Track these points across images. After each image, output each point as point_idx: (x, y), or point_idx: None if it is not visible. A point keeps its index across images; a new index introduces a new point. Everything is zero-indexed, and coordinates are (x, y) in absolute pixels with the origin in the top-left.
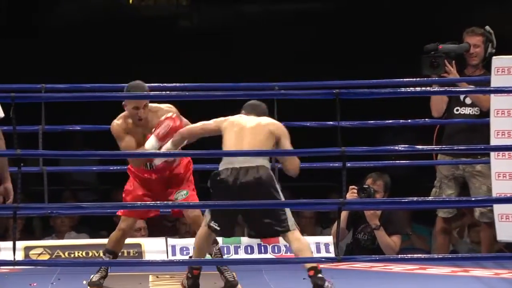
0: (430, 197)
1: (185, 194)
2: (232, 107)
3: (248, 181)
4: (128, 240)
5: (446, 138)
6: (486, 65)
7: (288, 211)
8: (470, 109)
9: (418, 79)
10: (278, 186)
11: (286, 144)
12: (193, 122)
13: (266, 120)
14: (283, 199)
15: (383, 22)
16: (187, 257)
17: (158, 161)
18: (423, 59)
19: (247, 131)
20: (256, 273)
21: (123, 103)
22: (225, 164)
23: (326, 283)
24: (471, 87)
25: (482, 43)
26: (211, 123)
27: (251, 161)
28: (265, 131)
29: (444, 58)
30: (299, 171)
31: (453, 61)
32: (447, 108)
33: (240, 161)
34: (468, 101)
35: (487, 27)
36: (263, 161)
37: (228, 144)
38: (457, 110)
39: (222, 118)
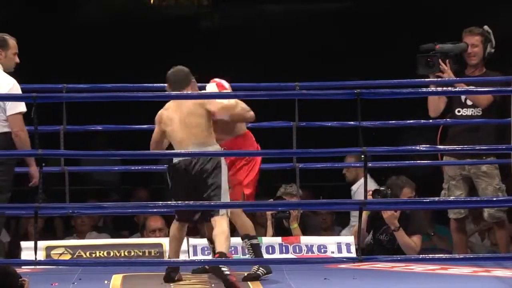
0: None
1: None
2: (253, 107)
3: (197, 170)
4: (150, 240)
5: (449, 139)
6: (486, 64)
7: (224, 196)
8: (472, 110)
9: (439, 79)
10: (224, 168)
11: (214, 105)
12: None
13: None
14: (223, 181)
15: (402, 23)
16: (208, 257)
17: None
18: (418, 58)
19: (185, 119)
20: (278, 273)
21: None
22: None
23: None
24: (471, 88)
25: (480, 42)
26: (156, 131)
27: (201, 150)
28: (199, 111)
29: (439, 57)
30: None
31: (447, 60)
32: (450, 109)
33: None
34: (469, 102)
35: (486, 27)
36: (212, 148)
37: (178, 139)
38: (459, 111)
39: (157, 118)
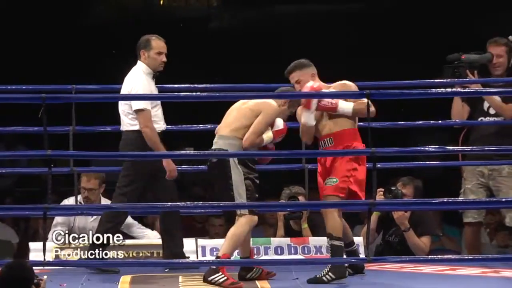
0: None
1: (334, 182)
2: None
3: (208, 163)
4: (159, 241)
5: (471, 143)
6: (510, 74)
7: (241, 196)
8: (494, 119)
9: (449, 80)
10: (233, 172)
11: (258, 120)
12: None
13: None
14: (236, 184)
15: (413, 24)
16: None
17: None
18: (445, 69)
19: (233, 110)
20: (286, 273)
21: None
22: None
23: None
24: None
25: (505, 53)
26: None
27: (217, 143)
28: (244, 108)
29: (466, 68)
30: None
31: (475, 71)
32: (471, 118)
33: (214, 143)
34: (492, 111)
35: (511, 37)
36: (226, 144)
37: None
38: (481, 120)
39: None
